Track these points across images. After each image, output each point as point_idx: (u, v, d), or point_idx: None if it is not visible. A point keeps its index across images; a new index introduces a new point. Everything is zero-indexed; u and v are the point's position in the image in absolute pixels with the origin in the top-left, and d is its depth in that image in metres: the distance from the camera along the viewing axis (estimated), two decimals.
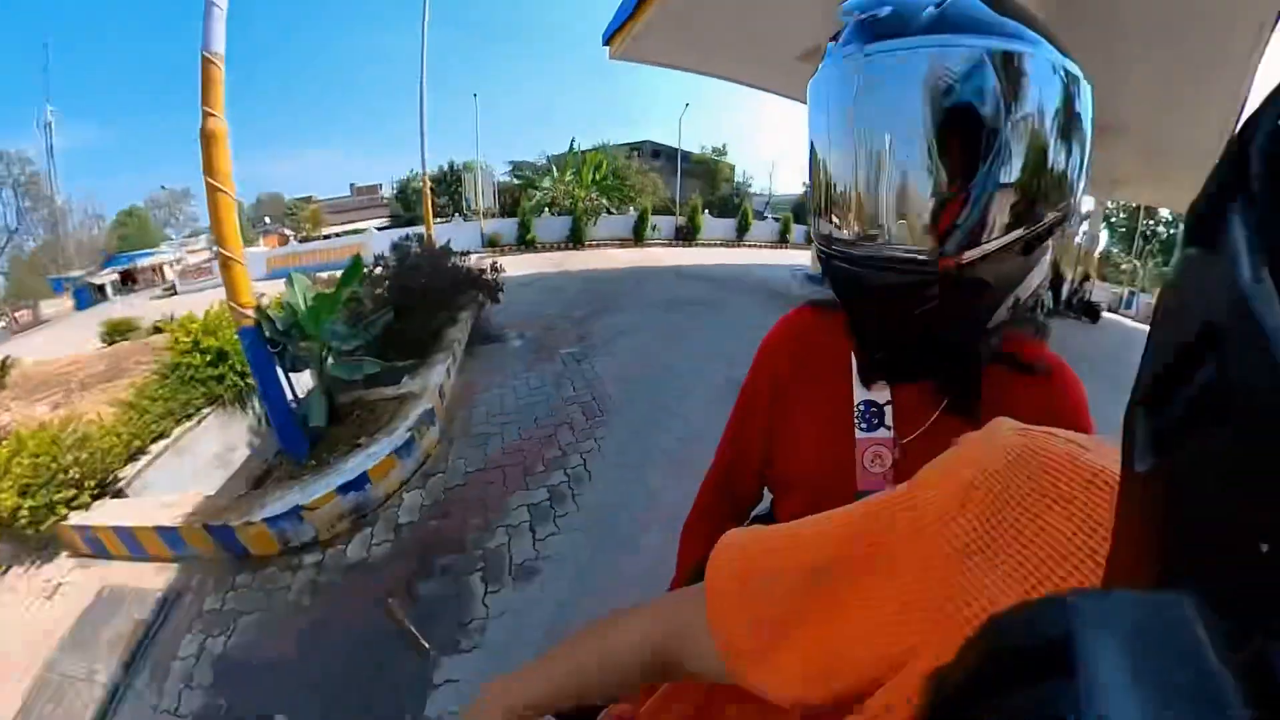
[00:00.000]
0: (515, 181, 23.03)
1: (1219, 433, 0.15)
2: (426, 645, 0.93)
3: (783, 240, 23.94)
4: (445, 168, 26.06)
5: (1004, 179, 0.61)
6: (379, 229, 21.04)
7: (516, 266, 10.21)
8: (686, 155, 29.72)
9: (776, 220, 25.25)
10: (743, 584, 0.48)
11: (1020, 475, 0.35)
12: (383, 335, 4.75)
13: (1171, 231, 38.63)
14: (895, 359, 0.74)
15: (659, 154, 35.31)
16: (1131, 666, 0.13)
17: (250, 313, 3.61)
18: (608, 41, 6.86)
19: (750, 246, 22.09)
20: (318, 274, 8.86)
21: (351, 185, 46.42)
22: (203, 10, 3.27)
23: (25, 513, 3.53)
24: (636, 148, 33.79)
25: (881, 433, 0.78)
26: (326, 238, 26.11)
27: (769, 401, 0.89)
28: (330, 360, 4.15)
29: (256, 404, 5.43)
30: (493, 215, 19.27)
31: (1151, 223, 36.03)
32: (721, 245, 21.41)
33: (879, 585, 0.39)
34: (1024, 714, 0.14)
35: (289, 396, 3.92)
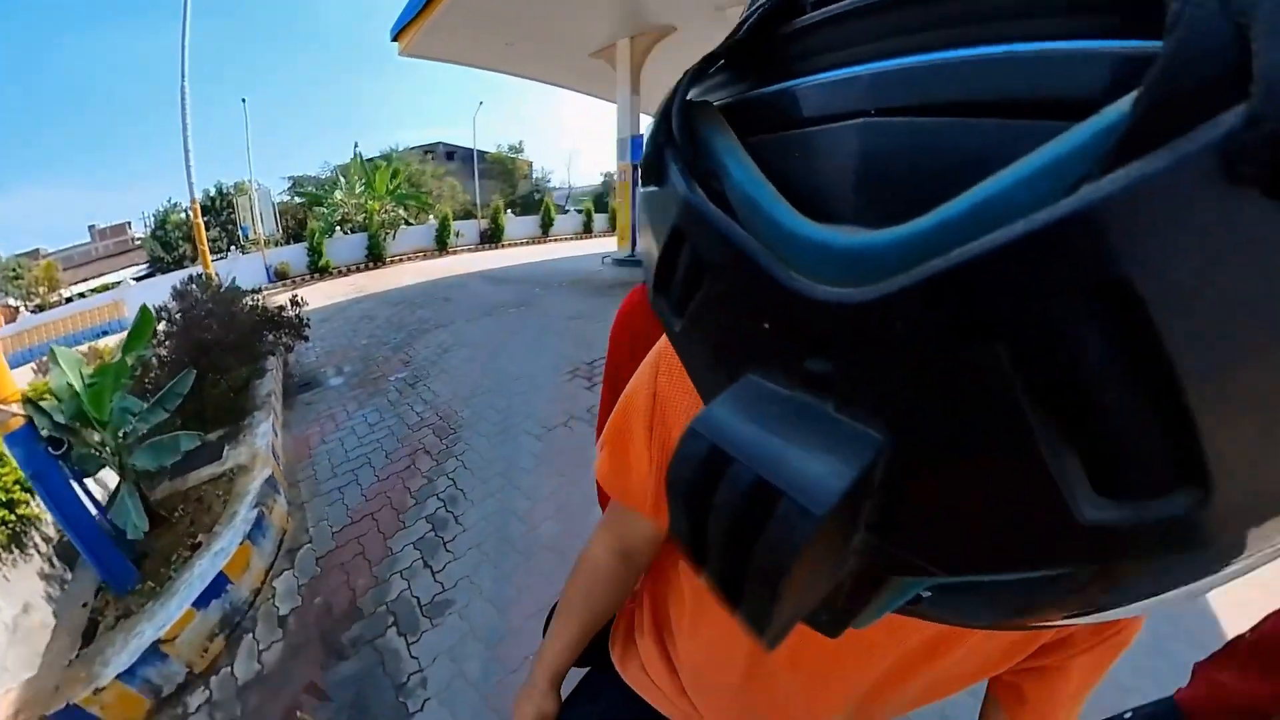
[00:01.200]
0: (298, 200, 20.64)
1: (706, 283, 0.24)
2: None
3: (587, 230, 24.57)
4: (212, 192, 22.74)
5: None
6: (137, 279, 17.68)
7: (313, 297, 9.44)
8: (483, 155, 29.19)
9: (579, 212, 25.67)
10: (603, 461, 0.71)
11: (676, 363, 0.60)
12: (184, 404, 4.10)
13: None
14: None
15: (453, 155, 34.15)
16: (756, 426, 0.20)
17: (15, 409, 2.79)
18: (396, 37, 6.54)
19: (556, 241, 22.34)
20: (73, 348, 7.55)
21: (91, 227, 38.49)
22: None
23: None
24: (430, 150, 32.41)
25: None
26: (70, 300, 21.03)
27: (630, 361, 0.93)
28: (132, 449, 3.37)
29: (40, 540, 4.01)
30: (276, 243, 16.92)
31: None
32: (528, 243, 21.39)
33: (629, 439, 0.66)
34: (732, 502, 0.19)
35: (92, 510, 3.09)
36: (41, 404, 3.10)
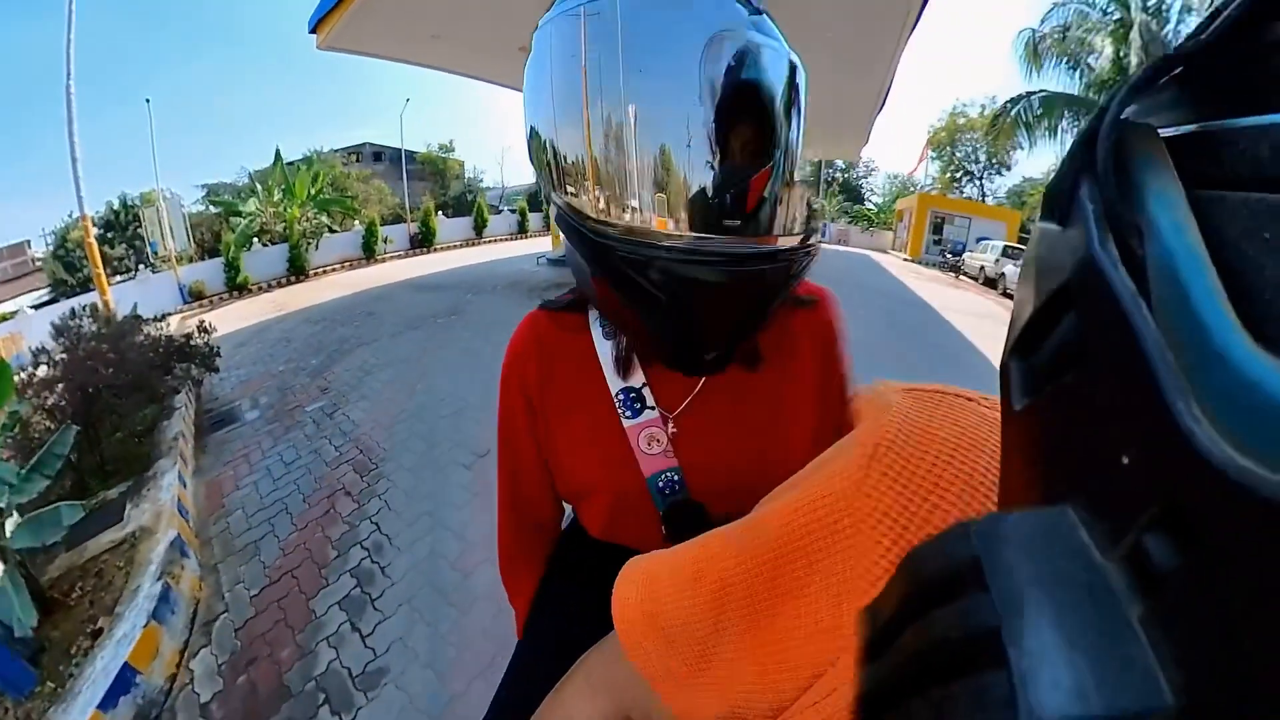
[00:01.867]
0: (213, 210, 19.49)
1: (1079, 372, 0.18)
2: None
3: (522, 231, 24.30)
4: (116, 205, 21.22)
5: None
6: (37, 306, 16.22)
7: (231, 320, 9.01)
8: (412, 155, 28.41)
9: (513, 211, 25.35)
10: (652, 617, 0.46)
11: (920, 443, 0.36)
12: (74, 460, 3.77)
13: (845, 175, 48.25)
14: (727, 352, 0.70)
15: (381, 156, 33.26)
16: (1033, 571, 0.16)
17: None
18: (315, 29, 6.22)
19: (490, 242, 22.08)
20: None
21: None
22: None
23: None
24: (355, 151, 31.36)
25: (647, 415, 0.78)
26: None
27: (527, 418, 0.86)
28: (9, 527, 2.97)
29: None
30: (189, 259, 15.71)
31: (831, 170, 45.00)
32: (462, 246, 21.04)
33: (804, 585, 0.38)
34: (950, 628, 0.16)
35: None
36: None
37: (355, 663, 2.64)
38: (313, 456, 4.59)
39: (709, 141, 0.58)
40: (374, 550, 3.37)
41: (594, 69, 0.58)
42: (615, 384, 0.79)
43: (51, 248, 23.68)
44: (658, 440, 0.78)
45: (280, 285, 14.90)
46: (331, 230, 17.75)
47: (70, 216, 21.37)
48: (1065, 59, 17.81)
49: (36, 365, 4.75)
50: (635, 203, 0.60)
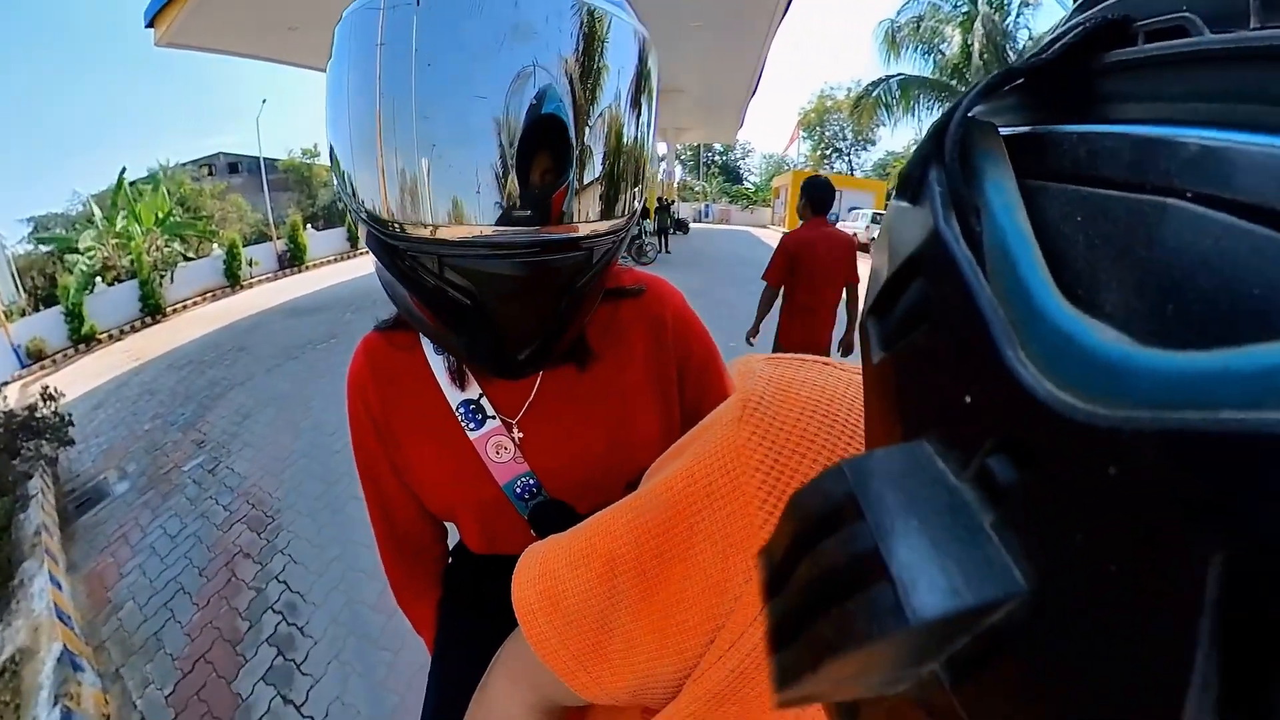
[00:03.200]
0: (43, 249, 17.13)
1: (925, 328, 0.21)
2: None
3: None
4: None
5: (628, 140, 0.65)
6: None
7: (81, 379, 8.17)
8: (273, 164, 26.35)
9: None
10: (551, 599, 0.48)
11: (786, 400, 0.40)
12: None
13: (723, 158, 51.23)
14: (541, 350, 0.70)
15: (237, 167, 30.56)
16: (901, 497, 0.18)
17: None
18: (151, 22, 5.59)
19: (367, 253, 20.79)
20: None
21: None
22: None
23: None
24: (208, 164, 28.64)
25: (490, 424, 0.79)
26: None
27: (379, 445, 0.86)
28: None
29: None
30: (22, 311, 13.63)
31: (709, 154, 48.20)
32: (337, 260, 19.76)
33: (690, 552, 0.40)
34: (836, 556, 0.18)
35: None
36: None
37: None
38: (200, 522, 4.34)
39: (496, 132, 0.57)
40: (288, 611, 3.24)
41: (386, 62, 0.57)
42: (454, 397, 0.79)
43: None
44: (505, 447, 0.79)
45: (134, 329, 13.23)
46: (187, 258, 16.04)
47: None
48: (920, 46, 20.37)
49: None
50: (428, 203, 0.59)
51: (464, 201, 0.59)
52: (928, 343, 0.21)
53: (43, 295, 15.20)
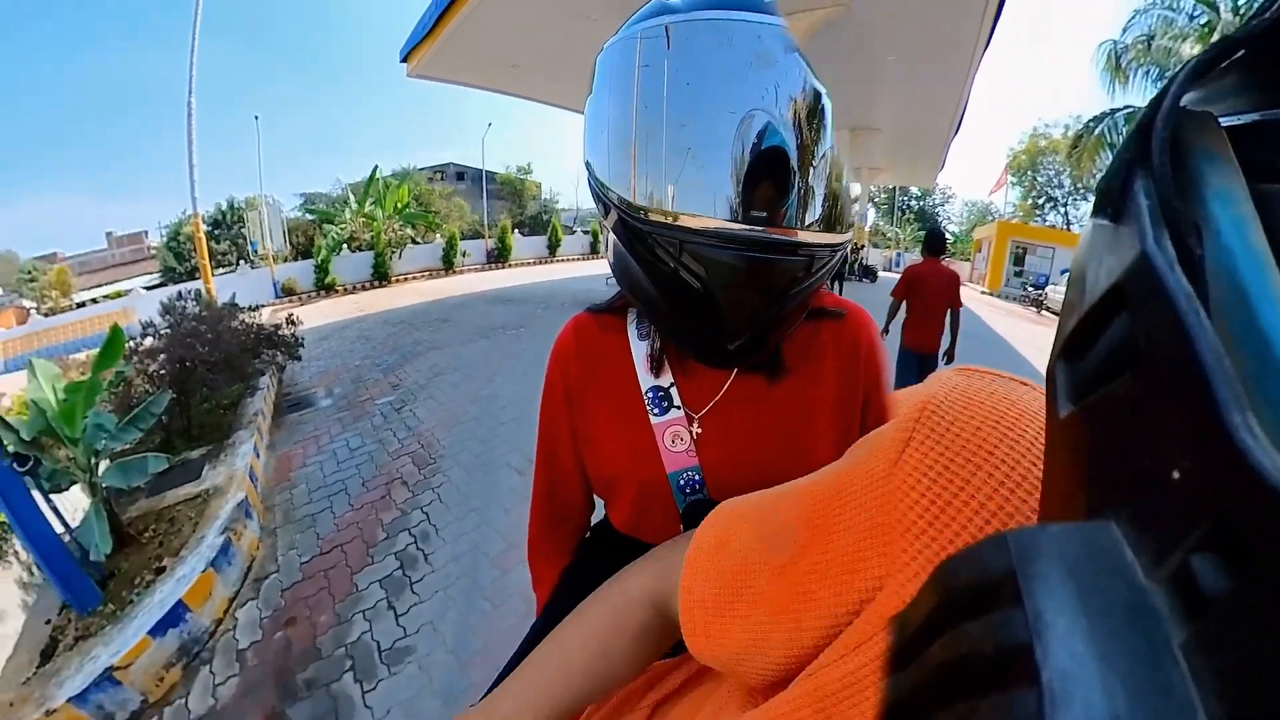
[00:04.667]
0: (308, 217, 21.15)
1: (1128, 378, 0.17)
2: None
3: (594, 251, 24.83)
4: (224, 206, 23.49)
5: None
6: (148, 288, 17.89)
7: (316, 316, 9.52)
8: (492, 176, 29.68)
9: (586, 233, 25.96)
10: (721, 544, 0.49)
11: (967, 407, 0.36)
12: (165, 421, 4.15)
13: (920, 204, 46.98)
14: (750, 344, 0.73)
15: (463, 176, 34.81)
16: (1071, 589, 0.15)
17: None
18: (405, 58, 6.68)
19: (563, 261, 22.67)
20: (74, 355, 7.65)
21: (108, 235, 40.30)
22: None
23: None
24: (440, 171, 32.97)
25: (674, 413, 0.82)
26: (81, 305, 22.02)
27: (567, 411, 0.90)
28: (102, 467, 3.34)
29: (20, 548, 4.33)
30: (285, 259, 17.23)
31: (906, 198, 43.67)
32: (535, 263, 21.72)
33: (837, 527, 0.39)
34: (980, 642, 0.15)
35: (58, 528, 3.02)
36: (9, 419, 3.11)
37: (385, 638, 2.73)
38: (377, 446, 4.80)
39: (739, 142, 0.64)
40: (420, 538, 3.47)
41: (646, 80, 0.67)
42: (646, 381, 0.83)
43: (165, 239, 26.57)
44: (681, 438, 0.82)
45: (364, 288, 15.81)
46: (415, 241, 18.70)
47: (184, 214, 23.34)
48: (1151, 70, 16.09)
49: (144, 336, 5.19)
50: (677, 195, 0.66)
51: (707, 197, 0.65)
52: (1129, 397, 0.17)
53: (301, 250, 18.87)
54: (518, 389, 5.89)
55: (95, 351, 3.84)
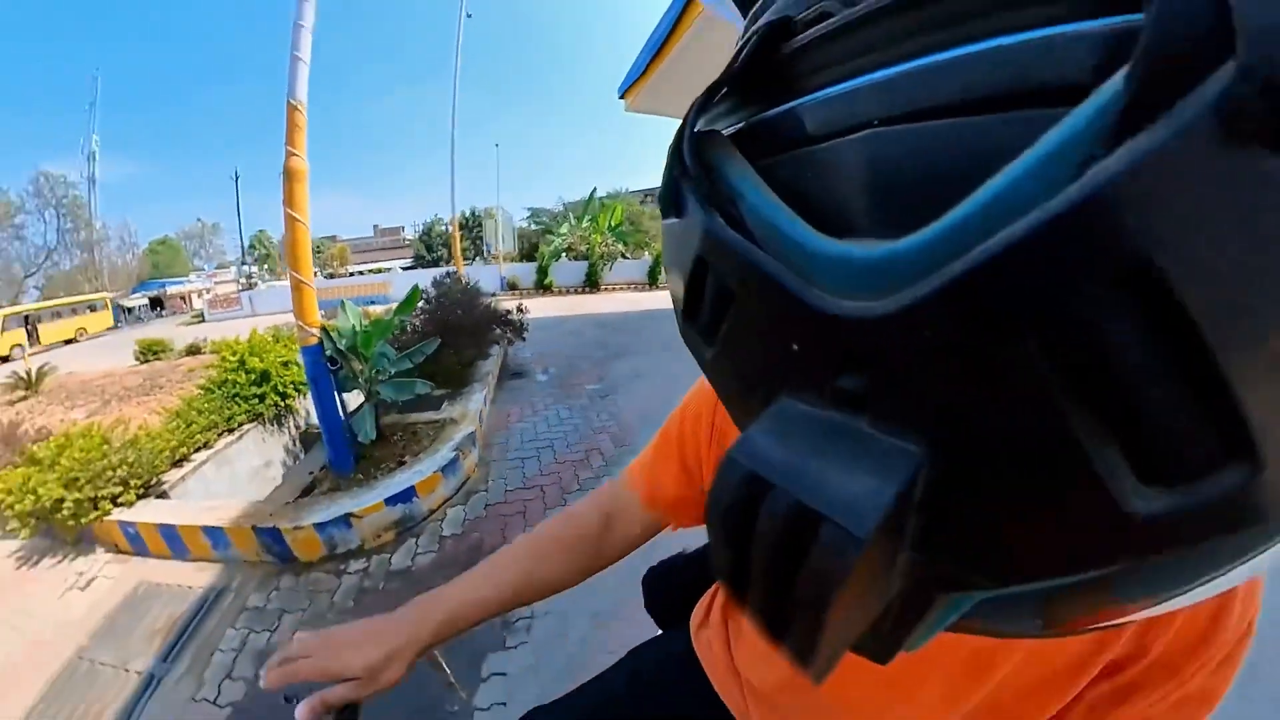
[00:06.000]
0: (533, 227, 24.06)
1: (733, 310, 0.23)
2: (462, 694, 0.83)
3: None
4: (467, 213, 27.44)
5: None
6: (404, 269, 21.91)
7: (536, 309, 10.48)
8: None
9: None
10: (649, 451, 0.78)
11: None
12: (424, 363, 5.02)
13: None
14: None
15: None
16: (792, 450, 0.20)
17: (315, 332, 3.84)
18: (623, 95, 7.29)
19: None
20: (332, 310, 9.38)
21: (375, 226, 49.03)
22: (287, 62, 3.53)
23: (69, 505, 3.60)
24: (650, 194, 34.79)
25: None
26: (352, 275, 28.01)
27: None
28: (381, 381, 4.41)
29: (294, 424, 5.89)
30: (512, 259, 20.12)
31: None
32: None
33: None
34: (772, 526, 0.18)
35: (341, 414, 4.07)
36: (330, 333, 4.11)
37: None
38: (582, 419, 5.25)
39: None
40: None
41: None
42: None
43: (418, 234, 32.66)
44: None
45: (576, 292, 17.44)
46: (624, 256, 20.16)
47: (434, 216, 30.48)
48: None
49: (420, 299, 6.29)
50: None
51: None
52: (740, 320, 0.23)
53: (526, 254, 21.34)
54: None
55: (365, 308, 5.17)
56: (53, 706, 2.64)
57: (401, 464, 3.99)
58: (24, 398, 7.90)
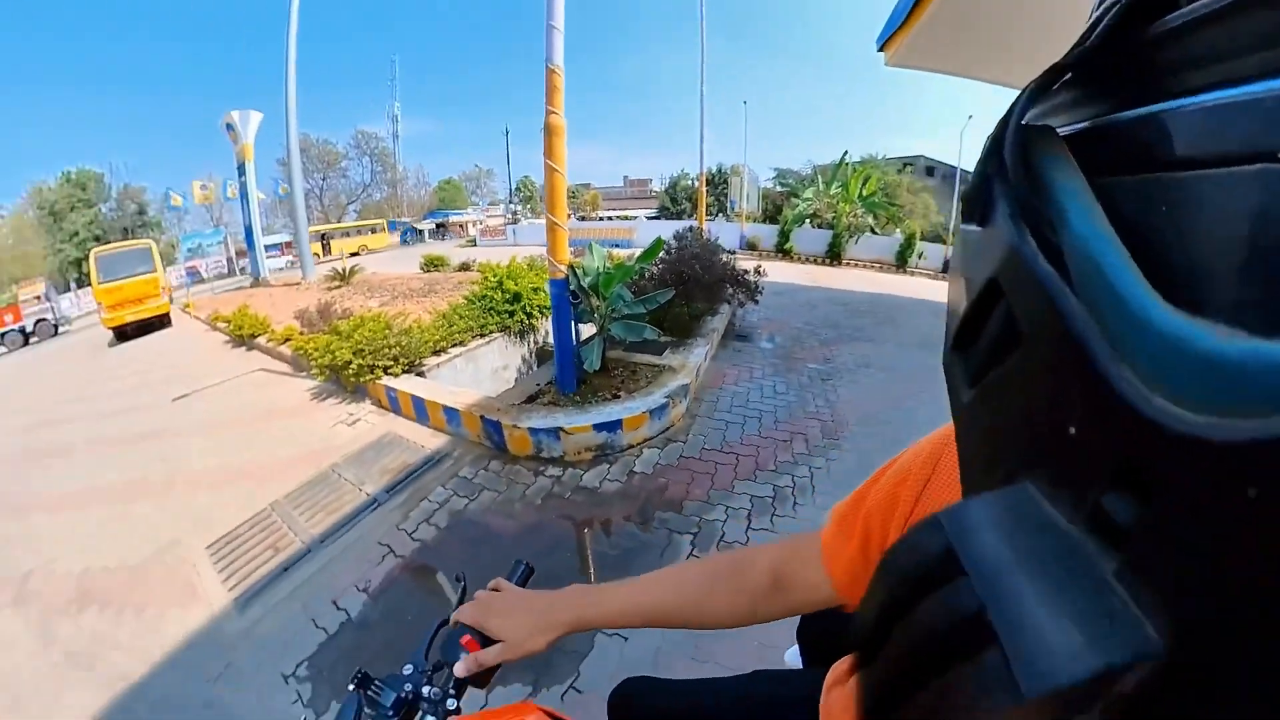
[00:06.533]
0: (778, 188, 23.31)
1: (1015, 356, 0.19)
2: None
3: None
4: (713, 169, 27.67)
5: None
6: (648, 218, 23.16)
7: (772, 273, 10.23)
8: (966, 175, 27.15)
9: None
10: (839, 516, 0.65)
11: None
12: (655, 310, 5.26)
13: None
14: None
15: (933, 171, 32.31)
16: (1007, 549, 0.16)
17: (563, 268, 4.32)
18: (882, 47, 6.52)
19: None
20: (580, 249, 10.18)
21: (625, 177, 52.94)
22: (542, 32, 4.03)
23: (354, 367, 5.31)
24: (909, 163, 31.37)
25: None
26: (601, 219, 30.82)
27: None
28: (614, 319, 4.84)
29: (533, 341, 6.96)
30: (754, 219, 19.54)
31: None
32: None
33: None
34: (937, 618, 0.16)
35: (573, 341, 4.63)
36: (576, 269, 4.61)
37: (731, 534, 3.09)
38: (796, 398, 5.00)
39: None
40: (798, 488, 3.53)
41: None
42: None
43: (665, 187, 35.97)
44: None
45: (816, 262, 16.51)
46: (873, 231, 18.35)
47: (680, 171, 32.92)
48: None
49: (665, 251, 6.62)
50: None
51: None
52: (1019, 372, 0.19)
53: (769, 215, 20.81)
54: (937, 413, 5.14)
55: (610, 251, 5.59)
56: (307, 494, 3.90)
57: (616, 397, 4.41)
58: (337, 286, 11.26)
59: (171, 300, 13.73)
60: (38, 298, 18.59)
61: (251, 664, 2.55)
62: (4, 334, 15.91)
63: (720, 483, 3.55)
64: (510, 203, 39.45)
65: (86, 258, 14.31)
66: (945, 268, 17.51)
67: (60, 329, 17.65)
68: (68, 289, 24.22)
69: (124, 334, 12.66)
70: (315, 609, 2.83)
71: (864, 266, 16.80)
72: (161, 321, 13.09)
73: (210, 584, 3.17)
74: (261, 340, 8.12)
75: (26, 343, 16.23)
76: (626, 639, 2.36)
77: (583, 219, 32.33)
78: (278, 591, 3.03)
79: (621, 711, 0.96)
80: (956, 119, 21.90)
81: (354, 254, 24.04)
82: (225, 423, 5.54)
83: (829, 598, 0.66)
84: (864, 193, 18.40)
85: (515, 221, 31.15)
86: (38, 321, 16.98)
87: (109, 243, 19.22)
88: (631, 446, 4.04)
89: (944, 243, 18.54)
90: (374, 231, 29.98)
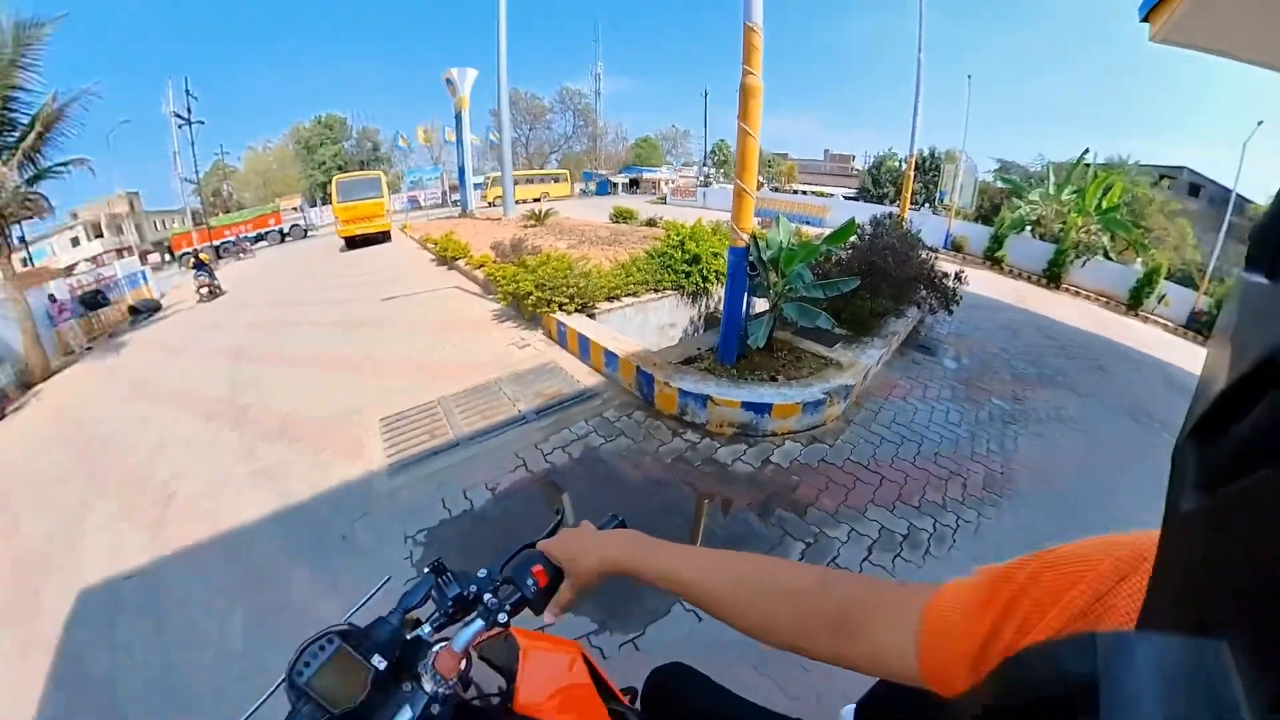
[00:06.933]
0: (998, 184, 20.27)
1: (1273, 473, 0.14)
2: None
3: None
4: (924, 152, 25.35)
5: None
6: (846, 198, 22.03)
7: (975, 283, 9.09)
8: (1244, 203, 21.28)
9: None
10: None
11: None
12: (835, 298, 5.00)
13: None
14: None
15: (1198, 191, 26.09)
16: (1158, 715, 0.12)
17: (745, 237, 4.24)
18: (1146, 16, 5.21)
19: None
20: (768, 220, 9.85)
21: (825, 151, 51.46)
22: None
23: (534, 298, 5.94)
24: (1168, 176, 25.67)
25: None
26: (795, 192, 30.69)
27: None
28: (789, 299, 4.75)
29: (704, 305, 7.22)
30: (964, 216, 16.85)
31: None
32: None
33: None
34: None
35: (742, 314, 4.63)
36: (759, 242, 4.53)
37: (845, 561, 2.92)
38: (968, 435, 4.41)
39: None
40: (936, 536, 3.15)
41: None
42: None
43: (868, 165, 34.65)
44: None
45: (1028, 279, 14.06)
46: (1107, 256, 14.97)
47: (888, 150, 31.38)
48: None
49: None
50: None
51: None
52: (1273, 495, 0.14)
53: (984, 214, 18.56)
54: (1138, 504, 3.87)
55: (799, 227, 5.43)
56: (470, 397, 4.58)
57: (773, 379, 4.41)
58: (532, 226, 13.40)
59: (392, 221, 18.32)
60: (295, 208, 26.11)
61: (385, 518, 3.23)
62: (267, 233, 23.12)
63: (855, 500, 3.32)
64: (704, 164, 39.90)
65: (330, 182, 20.32)
66: (1190, 321, 13.27)
67: (308, 234, 24.55)
68: (314, 205, 31.75)
69: (353, 243, 16.66)
70: (446, 492, 3.39)
71: (1086, 297, 13.69)
72: (383, 237, 17.00)
73: (374, 448, 3.95)
74: (461, 263, 10.31)
75: (283, 240, 23.41)
76: (700, 619, 2.36)
77: (776, 189, 32.16)
78: (423, 469, 3.66)
79: (659, 690, 0.98)
80: (1241, 124, 17.48)
81: (536, 200, 26.11)
82: (419, 325, 6.85)
83: (900, 672, 0.52)
84: (1103, 205, 14.86)
85: (706, 184, 31.32)
86: (292, 226, 24.27)
87: (348, 172, 24.75)
88: (775, 434, 3.96)
89: (1195, 288, 14.38)
90: (556, 181, 32.98)
